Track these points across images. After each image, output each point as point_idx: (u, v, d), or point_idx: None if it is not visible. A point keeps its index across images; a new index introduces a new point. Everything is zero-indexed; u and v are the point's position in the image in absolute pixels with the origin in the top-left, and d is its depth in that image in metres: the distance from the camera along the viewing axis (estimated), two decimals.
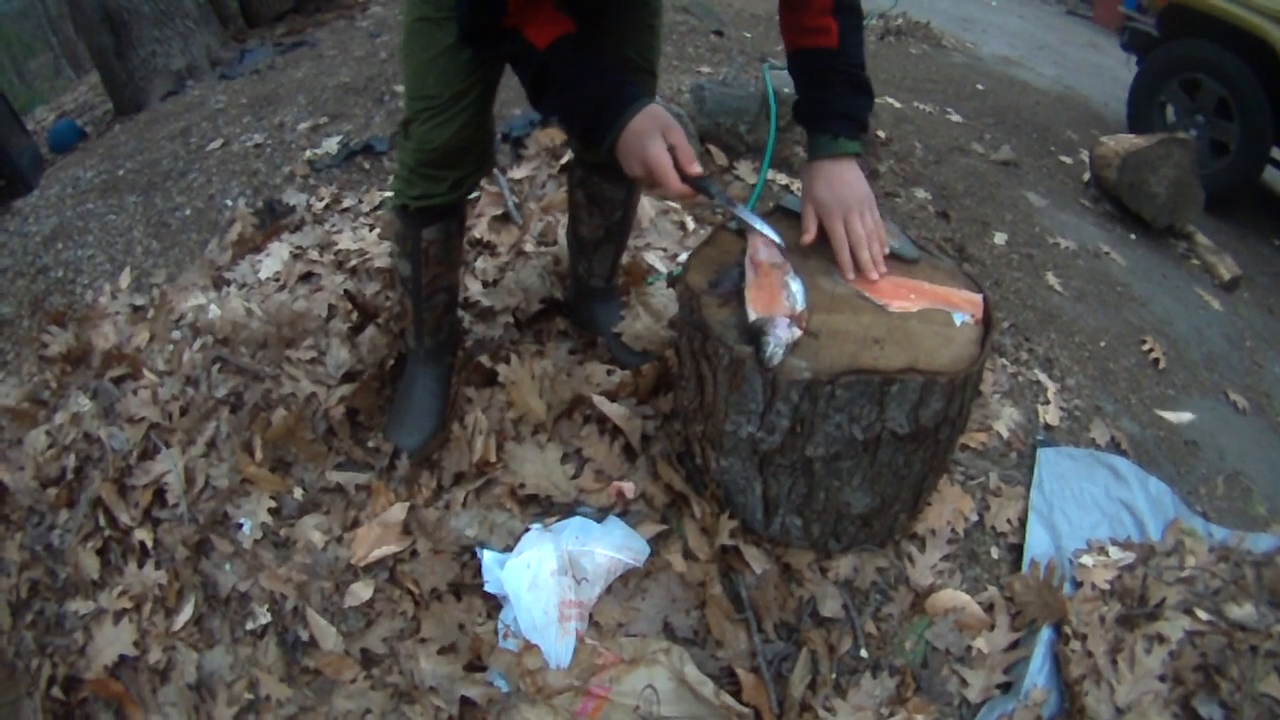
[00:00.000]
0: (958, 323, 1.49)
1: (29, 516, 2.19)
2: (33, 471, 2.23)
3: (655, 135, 1.38)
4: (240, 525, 1.94)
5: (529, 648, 1.57)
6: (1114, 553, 1.92)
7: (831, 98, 1.58)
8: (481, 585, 1.70)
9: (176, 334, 2.46)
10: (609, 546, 1.68)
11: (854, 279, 1.55)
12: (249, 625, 1.82)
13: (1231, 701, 1.59)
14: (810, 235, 1.59)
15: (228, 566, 1.90)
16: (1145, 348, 2.89)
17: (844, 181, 1.56)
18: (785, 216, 1.70)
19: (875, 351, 1.40)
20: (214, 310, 2.43)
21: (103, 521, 2.07)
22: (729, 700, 1.54)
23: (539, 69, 1.40)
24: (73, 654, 1.94)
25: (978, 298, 1.54)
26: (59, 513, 2.16)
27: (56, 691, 1.90)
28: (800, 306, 1.43)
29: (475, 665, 1.65)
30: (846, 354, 1.39)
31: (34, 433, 2.33)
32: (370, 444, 2.03)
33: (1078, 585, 1.83)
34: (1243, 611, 1.74)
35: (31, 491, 2.20)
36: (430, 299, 1.94)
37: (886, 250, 1.59)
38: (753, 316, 1.42)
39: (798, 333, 1.39)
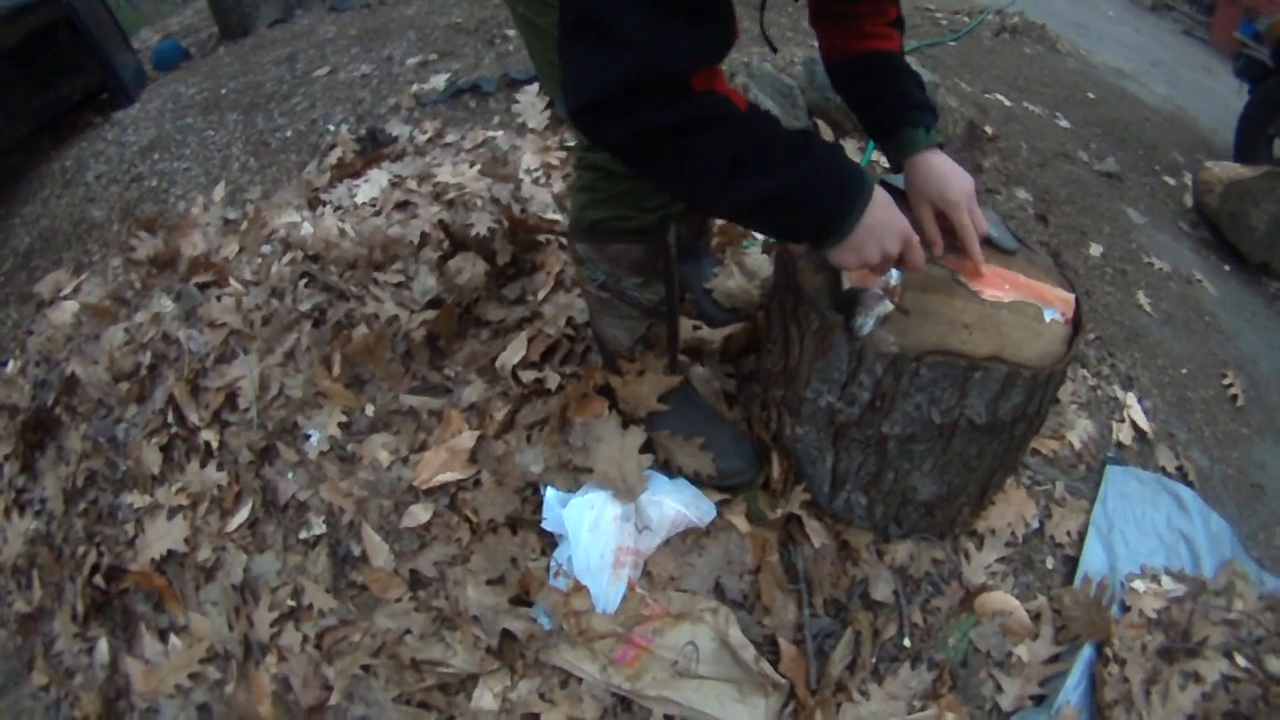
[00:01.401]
0: (1047, 319, 1.47)
1: (97, 409, 2.25)
2: (106, 365, 2.29)
3: (895, 208, 1.21)
4: (308, 436, 1.97)
5: (578, 589, 1.58)
6: (1166, 582, 1.88)
7: (912, 92, 1.53)
8: (539, 522, 1.71)
9: (266, 248, 2.50)
10: (678, 500, 1.67)
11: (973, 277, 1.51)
12: (303, 534, 1.85)
13: None
14: (940, 245, 1.49)
15: (290, 475, 1.93)
16: (1225, 382, 2.82)
17: (956, 173, 1.48)
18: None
19: (964, 336, 1.38)
20: (307, 228, 2.48)
21: (171, 419, 2.11)
22: (767, 668, 1.54)
23: (741, 141, 1.04)
24: (120, 545, 1.99)
25: (1070, 296, 1.52)
26: (128, 407, 2.21)
27: (99, 580, 1.95)
28: (895, 281, 1.42)
29: (521, 600, 1.66)
30: (935, 334, 1.38)
31: (113, 329, 2.40)
32: (446, 371, 2.04)
33: (1126, 609, 1.80)
34: None
35: (103, 385, 2.26)
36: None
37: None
38: (847, 285, 1.41)
39: (889, 307, 1.38)
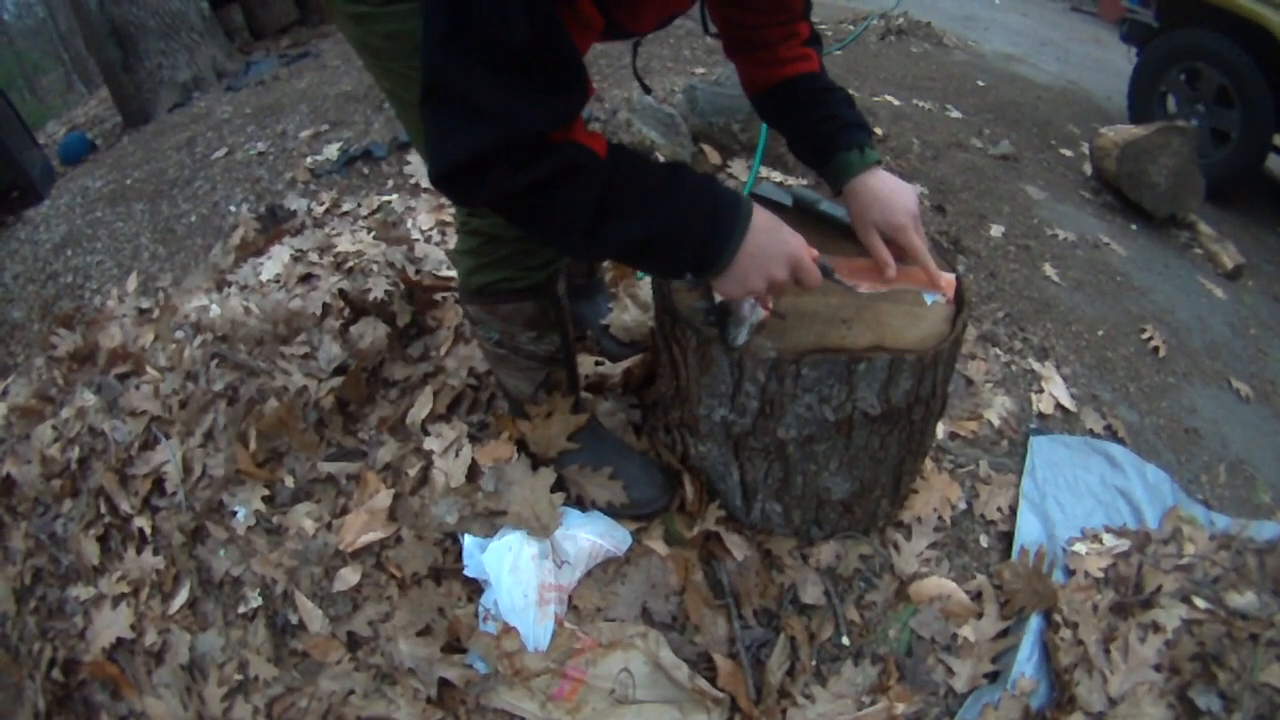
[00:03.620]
0: (929, 302, 1.48)
1: (35, 507, 2.25)
2: (39, 464, 2.28)
3: (783, 227, 1.19)
4: (235, 513, 1.97)
5: (507, 630, 1.58)
6: (1108, 540, 1.90)
7: (841, 112, 1.49)
8: (462, 570, 1.72)
9: (179, 334, 2.51)
10: (592, 532, 1.69)
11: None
12: (241, 609, 1.85)
13: (1230, 692, 1.57)
14: (894, 269, 1.48)
15: (222, 552, 1.93)
16: (1145, 336, 2.88)
17: (896, 192, 1.48)
18: (763, 204, 1.70)
19: (842, 331, 1.40)
20: (215, 310, 2.48)
21: (104, 510, 2.12)
22: (704, 685, 1.55)
23: (603, 188, 1.03)
24: (73, 638, 1.98)
25: (951, 277, 1.54)
26: (63, 502, 2.21)
27: (56, 674, 1.93)
28: None
29: (455, 648, 1.66)
30: (813, 334, 1.40)
31: (41, 427, 2.39)
32: (360, 434, 2.05)
33: (1070, 573, 1.81)
34: (1244, 600, 1.71)
35: (37, 483, 2.25)
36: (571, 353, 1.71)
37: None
38: (718, 299, 1.42)
39: (763, 314, 1.39)
